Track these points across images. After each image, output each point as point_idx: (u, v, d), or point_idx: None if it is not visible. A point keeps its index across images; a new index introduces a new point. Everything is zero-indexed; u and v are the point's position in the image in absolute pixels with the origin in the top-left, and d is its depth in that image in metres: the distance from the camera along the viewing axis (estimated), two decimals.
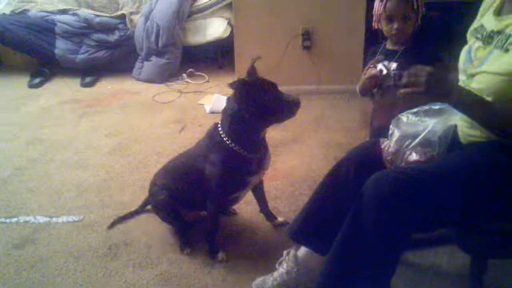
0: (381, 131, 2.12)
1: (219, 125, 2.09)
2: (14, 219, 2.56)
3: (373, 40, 2.98)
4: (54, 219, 2.56)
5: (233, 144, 2.04)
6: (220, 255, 2.24)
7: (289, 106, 2.00)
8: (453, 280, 2.06)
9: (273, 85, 2.02)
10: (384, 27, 2.17)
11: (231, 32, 4.52)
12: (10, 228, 2.50)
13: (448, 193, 1.52)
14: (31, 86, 4.59)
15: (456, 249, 2.15)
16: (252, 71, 2.03)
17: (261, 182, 2.37)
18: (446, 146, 1.72)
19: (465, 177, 1.54)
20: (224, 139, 2.05)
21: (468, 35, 1.80)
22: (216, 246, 2.25)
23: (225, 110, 2.07)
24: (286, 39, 4.07)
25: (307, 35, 4.06)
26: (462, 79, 1.73)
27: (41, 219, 2.56)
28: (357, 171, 1.82)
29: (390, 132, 1.82)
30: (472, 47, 1.72)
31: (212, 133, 2.12)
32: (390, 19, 2.13)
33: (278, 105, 1.99)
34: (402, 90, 1.55)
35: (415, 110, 1.82)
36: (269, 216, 2.46)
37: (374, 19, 2.22)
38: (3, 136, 3.57)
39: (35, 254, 2.30)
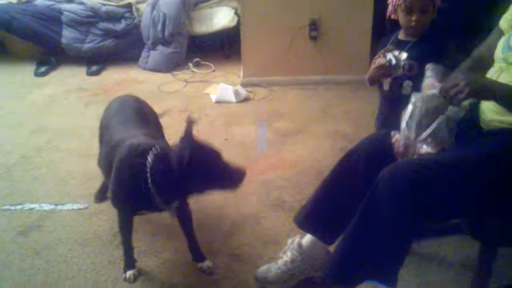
0: (388, 122, 2.11)
1: (148, 159, 1.78)
2: (20, 207, 2.57)
3: (380, 30, 2.97)
4: (59, 207, 2.57)
5: (153, 189, 1.77)
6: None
7: (235, 178, 1.81)
8: (457, 271, 2.05)
9: (219, 154, 1.81)
10: (402, 18, 2.12)
11: (238, 21, 4.50)
12: (16, 216, 2.50)
13: (463, 184, 1.52)
14: (37, 74, 4.59)
15: (461, 240, 2.17)
16: (189, 134, 1.77)
17: (187, 215, 2.09)
18: (453, 137, 1.70)
19: (480, 167, 1.54)
20: (147, 178, 1.77)
21: (506, 27, 1.79)
22: (130, 255, 2.10)
23: (162, 164, 1.76)
24: (293, 29, 4.04)
25: (314, 25, 4.03)
26: (501, 66, 1.72)
27: (46, 207, 2.57)
28: (367, 162, 1.81)
29: (401, 124, 1.80)
30: (510, 35, 1.71)
31: (134, 163, 1.82)
32: (409, 10, 2.08)
33: (224, 177, 1.80)
34: (450, 107, 1.60)
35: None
36: (196, 256, 2.14)
37: (389, 8, 2.19)
38: (9, 124, 3.59)
39: (40, 241, 2.31)
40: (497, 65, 1.75)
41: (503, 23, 1.80)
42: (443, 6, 2.15)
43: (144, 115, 2.24)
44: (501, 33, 1.79)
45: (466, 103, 1.67)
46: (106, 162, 2.05)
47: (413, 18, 2.08)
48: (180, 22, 4.58)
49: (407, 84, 2.12)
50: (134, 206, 1.93)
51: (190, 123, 1.77)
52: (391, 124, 1.89)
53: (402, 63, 2.11)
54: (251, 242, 2.28)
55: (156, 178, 1.76)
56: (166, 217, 2.39)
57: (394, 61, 2.11)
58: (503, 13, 1.83)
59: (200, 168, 1.72)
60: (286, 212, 2.45)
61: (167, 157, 1.76)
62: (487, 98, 1.62)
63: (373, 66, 2.17)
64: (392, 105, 2.14)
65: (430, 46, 2.09)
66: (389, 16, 2.20)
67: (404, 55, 2.13)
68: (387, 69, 2.13)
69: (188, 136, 1.75)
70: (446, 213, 1.61)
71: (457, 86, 1.53)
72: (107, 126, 2.19)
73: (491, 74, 1.74)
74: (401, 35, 2.21)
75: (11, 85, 4.41)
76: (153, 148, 1.79)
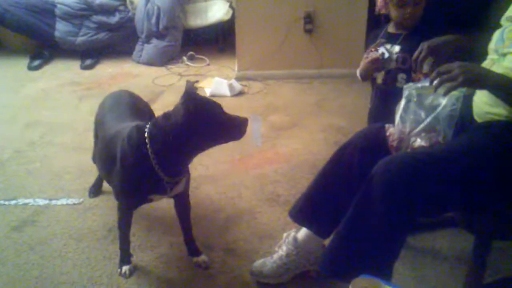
0: (381, 116, 2.11)
1: (145, 132, 1.79)
2: (14, 202, 2.56)
3: (375, 23, 2.96)
4: (54, 202, 2.55)
5: (154, 162, 1.77)
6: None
7: (238, 126, 1.82)
8: (452, 264, 2.06)
9: (219, 105, 1.81)
10: (394, 12, 2.12)
11: (233, 14, 4.49)
12: (10, 211, 2.49)
13: (457, 177, 1.52)
14: (31, 68, 4.57)
15: (456, 233, 2.17)
16: (189, 90, 1.76)
17: (186, 207, 2.10)
18: (451, 130, 1.71)
19: (474, 160, 1.53)
20: (148, 151, 1.77)
21: (503, 21, 1.77)
22: (126, 251, 2.08)
23: (163, 124, 1.77)
24: (288, 22, 4.04)
25: (309, 18, 4.03)
26: (493, 57, 1.71)
27: (41, 202, 2.55)
28: (362, 155, 1.80)
29: (395, 118, 1.80)
30: (505, 29, 1.71)
31: (134, 139, 1.82)
32: (402, 4, 2.08)
33: (228, 125, 1.81)
34: (440, 90, 1.52)
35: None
36: (192, 250, 2.13)
37: (378, 4, 2.18)
38: (2, 119, 3.57)
39: (35, 236, 2.30)
40: (489, 58, 1.74)
41: (503, 19, 1.80)
42: None
43: (139, 110, 2.23)
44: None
45: (458, 93, 1.66)
46: (102, 157, 2.05)
47: (407, 11, 2.08)
48: (174, 15, 4.56)
49: (401, 77, 2.12)
50: (141, 192, 1.90)
51: (189, 83, 1.77)
52: (384, 118, 1.89)
53: (395, 56, 2.11)
54: (247, 236, 2.28)
55: (155, 141, 1.76)
56: (161, 211, 2.40)
57: (386, 55, 2.11)
58: (499, 8, 1.82)
59: (204, 117, 1.73)
60: (281, 206, 2.45)
61: (166, 118, 1.77)
62: (481, 87, 1.58)
63: (365, 60, 2.16)
64: (386, 98, 2.14)
65: (422, 38, 2.08)
66: (379, 12, 2.20)
67: (396, 48, 2.13)
68: (380, 63, 2.12)
69: (188, 91, 1.75)
70: (441, 207, 1.61)
71: (449, 72, 1.49)
72: (102, 122, 2.18)
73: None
74: (391, 28, 2.20)
75: (4, 79, 4.39)
76: (150, 122, 1.82)
